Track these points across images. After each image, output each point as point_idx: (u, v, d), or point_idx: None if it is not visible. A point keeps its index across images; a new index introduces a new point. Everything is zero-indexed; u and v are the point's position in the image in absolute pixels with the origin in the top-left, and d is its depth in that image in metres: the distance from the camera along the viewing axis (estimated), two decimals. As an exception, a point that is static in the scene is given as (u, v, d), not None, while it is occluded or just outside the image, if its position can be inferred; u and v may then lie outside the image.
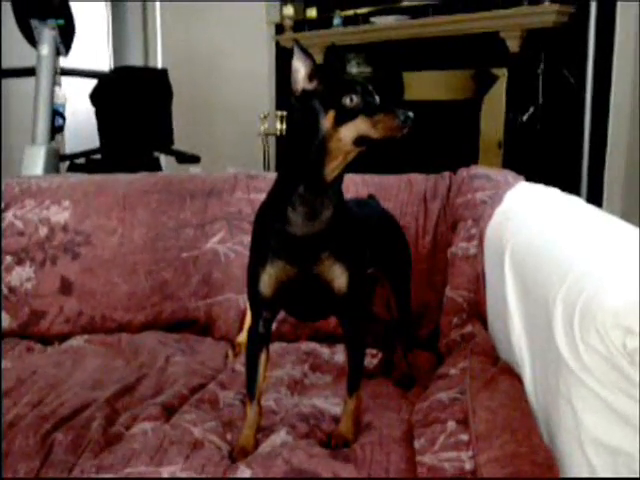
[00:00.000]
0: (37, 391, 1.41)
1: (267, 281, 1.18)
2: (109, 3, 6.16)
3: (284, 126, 4.78)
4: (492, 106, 3.68)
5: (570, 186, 2.73)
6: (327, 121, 1.10)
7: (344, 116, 1.10)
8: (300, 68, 1.14)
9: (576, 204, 1.54)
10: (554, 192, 1.66)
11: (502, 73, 3.60)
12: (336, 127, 1.10)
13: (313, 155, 1.12)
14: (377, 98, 1.12)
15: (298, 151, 1.14)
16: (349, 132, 1.10)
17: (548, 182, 1.74)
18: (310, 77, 1.14)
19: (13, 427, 1.24)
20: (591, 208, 1.48)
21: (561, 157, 3.37)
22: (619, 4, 3.11)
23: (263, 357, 1.24)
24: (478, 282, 1.58)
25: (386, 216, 1.56)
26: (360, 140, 1.10)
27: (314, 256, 1.16)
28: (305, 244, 1.15)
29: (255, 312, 1.25)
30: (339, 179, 1.16)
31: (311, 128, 1.11)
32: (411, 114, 1.07)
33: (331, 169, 1.12)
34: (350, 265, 1.18)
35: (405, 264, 1.56)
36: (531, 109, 3.48)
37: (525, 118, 3.50)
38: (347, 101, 1.10)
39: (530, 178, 1.83)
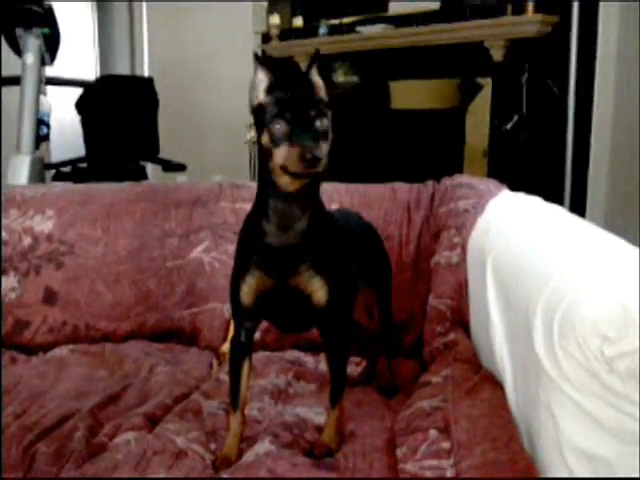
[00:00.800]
0: (21, 401, 1.40)
1: (247, 291, 1.18)
2: (95, 12, 6.16)
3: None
4: (477, 115, 3.70)
5: (553, 194, 2.75)
6: (263, 140, 1.10)
7: (275, 139, 1.08)
8: (263, 81, 1.14)
9: (558, 213, 1.55)
10: (536, 201, 1.67)
11: (486, 82, 3.63)
12: (271, 147, 1.08)
13: (266, 169, 1.11)
14: (319, 124, 1.08)
15: (260, 163, 1.13)
16: (277, 157, 1.08)
17: (532, 191, 1.75)
18: (268, 90, 1.14)
19: (-4, 438, 1.23)
20: (573, 217, 1.49)
21: (545, 166, 3.40)
22: (601, 14, 3.15)
23: (246, 366, 1.25)
24: (461, 290, 1.59)
25: (366, 226, 1.57)
26: (284, 168, 1.07)
27: (291, 268, 1.15)
28: (281, 255, 1.15)
29: (237, 322, 1.25)
30: (309, 191, 1.13)
31: (260, 143, 1.11)
32: (315, 153, 1.03)
33: (285, 183, 1.10)
34: (330, 278, 1.17)
35: (387, 273, 1.57)
36: (515, 118, 3.51)
37: (509, 127, 3.53)
38: (275, 126, 1.08)
39: (514, 187, 1.85)
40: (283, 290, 1.17)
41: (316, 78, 1.15)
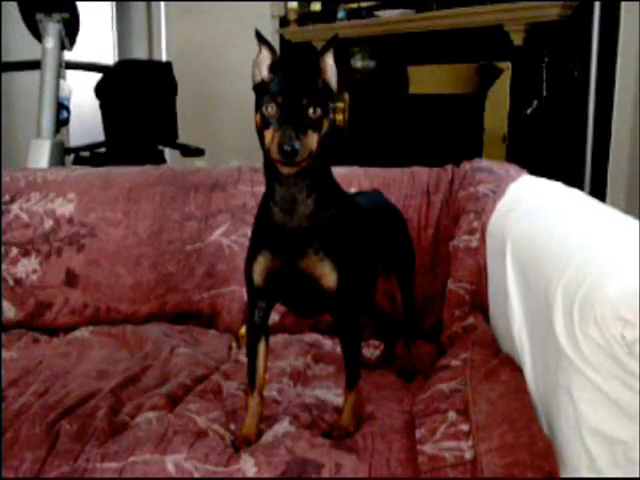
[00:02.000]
0: (43, 381, 1.43)
1: (257, 271, 1.19)
2: (114, -3, 6.17)
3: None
4: (496, 100, 3.67)
5: (573, 179, 2.73)
6: (258, 119, 1.10)
7: (266, 121, 1.08)
8: (266, 58, 1.15)
9: (578, 197, 1.55)
10: (557, 185, 1.67)
11: (506, 66, 3.59)
12: (263, 129, 1.09)
13: (264, 150, 1.11)
14: (311, 112, 1.07)
15: (261, 144, 1.13)
16: (266, 139, 1.08)
17: (552, 176, 1.74)
18: (271, 68, 1.14)
19: (20, 416, 1.26)
20: (593, 201, 1.48)
21: (565, 151, 3.37)
22: (624, -3, 3.10)
23: (262, 348, 1.26)
24: (480, 274, 1.59)
25: (391, 208, 1.57)
26: (269, 153, 1.07)
27: (298, 250, 1.16)
28: (287, 237, 1.15)
29: (250, 301, 1.26)
30: (312, 175, 1.13)
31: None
32: (299, 147, 1.03)
33: (279, 166, 1.10)
34: (341, 262, 1.17)
35: (410, 256, 1.57)
36: (535, 103, 3.47)
37: (529, 112, 3.49)
38: (266, 108, 1.08)
39: (534, 171, 1.84)
40: (292, 272, 1.17)
41: (330, 63, 1.14)
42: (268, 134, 1.07)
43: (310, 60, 1.15)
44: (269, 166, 1.14)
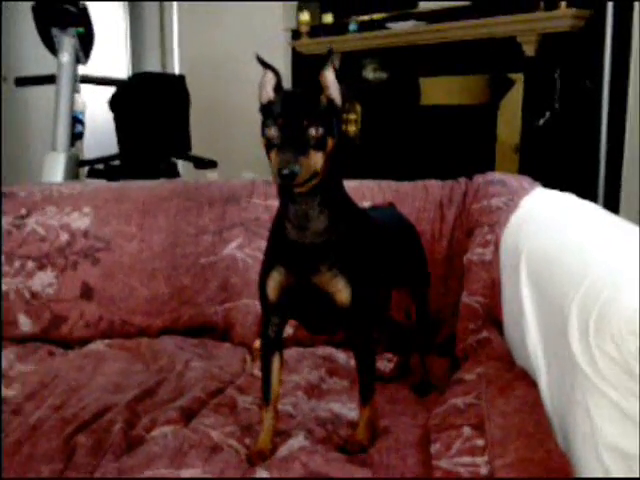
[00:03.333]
0: (59, 395, 1.44)
1: (272, 286, 1.20)
2: (127, 11, 6.22)
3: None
4: (508, 111, 3.67)
5: (587, 192, 2.73)
6: (263, 141, 1.11)
7: (270, 143, 1.09)
8: (271, 79, 1.16)
9: (592, 210, 1.54)
10: (570, 198, 1.66)
11: (518, 78, 3.60)
12: (268, 150, 1.10)
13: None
14: (313, 132, 1.07)
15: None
16: (272, 161, 1.08)
17: (564, 188, 1.74)
18: (275, 89, 1.15)
19: (36, 430, 1.27)
20: (607, 214, 1.48)
21: (578, 162, 3.36)
22: (636, 8, 3.10)
23: (276, 362, 1.26)
24: (494, 288, 1.59)
25: (405, 223, 1.57)
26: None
27: (312, 266, 1.16)
28: (301, 253, 1.16)
29: (264, 316, 1.27)
30: (323, 192, 1.13)
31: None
32: (286, 171, 1.03)
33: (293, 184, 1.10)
34: (354, 278, 1.17)
35: (424, 270, 1.57)
36: (547, 114, 3.47)
37: (541, 123, 3.49)
38: (268, 131, 1.09)
39: (546, 183, 1.83)
40: (305, 288, 1.18)
41: (330, 78, 1.14)
42: (272, 156, 1.08)
43: (314, 74, 1.15)
44: (280, 185, 1.15)
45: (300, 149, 1.06)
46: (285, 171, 1.03)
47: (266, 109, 1.14)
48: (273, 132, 1.08)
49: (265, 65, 1.16)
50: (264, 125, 1.11)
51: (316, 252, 1.16)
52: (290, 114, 1.09)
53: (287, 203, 1.15)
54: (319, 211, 1.15)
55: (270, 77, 1.16)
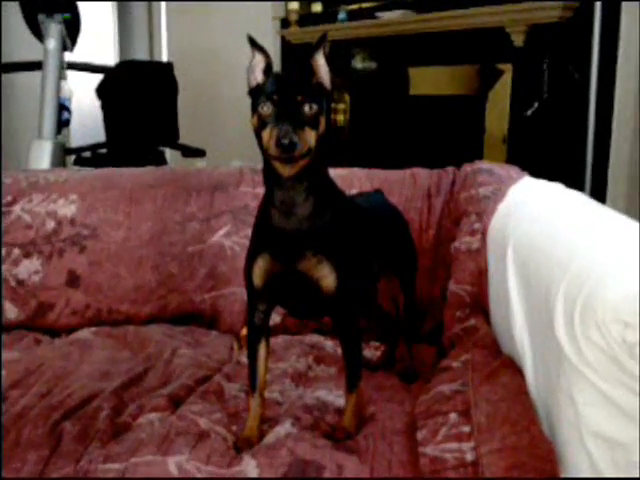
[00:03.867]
0: (45, 382, 1.43)
1: (257, 273, 1.20)
2: (115, -2, 6.17)
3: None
4: (497, 101, 3.68)
5: (574, 181, 2.73)
6: (254, 121, 1.11)
7: (262, 121, 1.09)
8: (261, 62, 1.16)
9: (579, 200, 1.55)
10: (557, 187, 1.67)
11: (507, 68, 3.60)
12: (260, 129, 1.10)
13: (262, 152, 1.13)
14: (307, 109, 1.08)
15: (259, 147, 1.14)
16: (264, 139, 1.09)
17: (552, 177, 1.74)
18: (265, 72, 1.15)
19: (22, 417, 1.26)
20: (594, 204, 1.49)
21: (565, 152, 3.38)
22: (624, -1, 3.11)
23: (263, 349, 1.26)
24: (481, 276, 1.59)
25: (392, 210, 1.57)
26: (267, 152, 1.09)
27: (297, 252, 1.16)
28: (286, 240, 1.16)
29: (250, 303, 1.26)
30: (310, 177, 1.14)
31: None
32: (285, 141, 1.04)
33: (277, 168, 1.12)
34: (340, 264, 1.18)
35: (412, 258, 1.57)
36: (536, 104, 3.48)
37: (530, 113, 3.50)
38: (262, 108, 1.09)
39: (534, 173, 1.84)
40: (291, 274, 1.18)
41: (321, 62, 1.15)
42: (266, 134, 1.08)
43: (303, 61, 1.16)
44: (268, 169, 1.15)
45: (296, 124, 1.06)
46: (284, 140, 1.04)
47: (256, 91, 1.14)
48: (267, 109, 1.08)
49: (255, 46, 1.16)
50: (256, 104, 1.11)
51: (301, 238, 1.16)
52: (285, 91, 1.09)
53: (273, 189, 1.15)
54: (305, 197, 1.15)
55: (259, 59, 1.16)
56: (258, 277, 1.21)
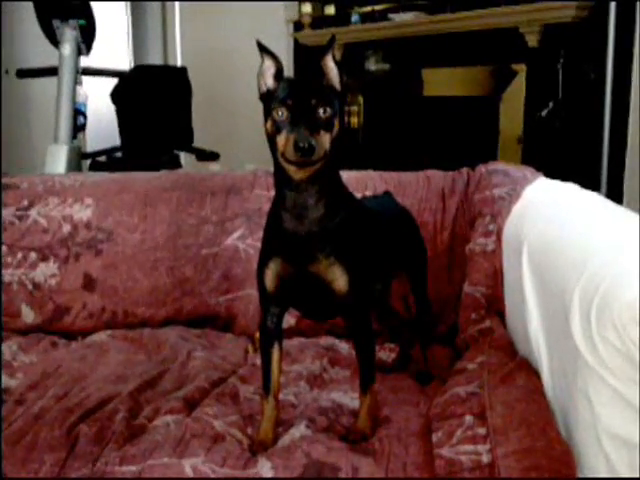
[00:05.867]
0: (62, 385, 1.44)
1: (269, 276, 1.21)
2: (129, 3, 6.21)
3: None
4: (511, 102, 3.66)
5: (590, 182, 2.72)
6: (267, 127, 1.12)
7: (277, 126, 1.10)
8: (270, 67, 1.16)
9: (595, 200, 1.54)
10: (573, 188, 1.66)
11: (521, 68, 3.58)
12: (275, 134, 1.10)
13: (274, 157, 1.13)
14: (321, 112, 1.08)
15: (271, 151, 1.14)
16: (278, 145, 1.10)
17: (567, 178, 1.73)
18: (275, 77, 1.15)
19: (39, 419, 1.27)
20: (610, 204, 1.48)
21: (581, 153, 3.35)
22: (639, -2, 3.09)
23: (276, 352, 1.26)
24: (496, 278, 1.59)
25: (402, 211, 1.57)
26: (283, 156, 1.09)
27: (309, 255, 1.17)
28: (298, 243, 1.16)
29: (263, 307, 1.27)
30: (322, 180, 1.14)
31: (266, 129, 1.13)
32: (305, 144, 1.04)
33: (291, 171, 1.12)
34: (351, 266, 1.18)
35: (422, 259, 1.56)
36: (550, 104, 3.46)
37: (544, 113, 3.48)
38: (276, 113, 1.09)
39: (549, 174, 1.83)
40: (304, 277, 1.18)
41: (330, 65, 1.15)
42: (281, 139, 1.09)
43: (313, 64, 1.16)
44: (280, 173, 1.15)
45: (312, 127, 1.07)
46: (302, 144, 1.04)
47: (267, 97, 1.14)
48: (281, 114, 1.09)
49: (265, 51, 1.16)
50: (269, 109, 1.11)
51: (313, 241, 1.16)
52: (299, 95, 1.09)
53: (284, 193, 1.16)
54: (317, 199, 1.15)
55: (269, 64, 1.16)
56: (270, 281, 1.21)
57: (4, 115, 4.96)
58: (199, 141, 4.42)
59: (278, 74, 1.16)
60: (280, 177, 1.16)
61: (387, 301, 1.56)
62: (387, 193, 1.63)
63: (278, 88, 1.13)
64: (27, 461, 1.15)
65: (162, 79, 4.33)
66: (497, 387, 1.20)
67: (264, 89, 1.16)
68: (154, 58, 6.30)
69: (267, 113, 1.12)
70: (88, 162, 4.19)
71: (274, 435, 1.22)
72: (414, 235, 1.56)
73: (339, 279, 1.17)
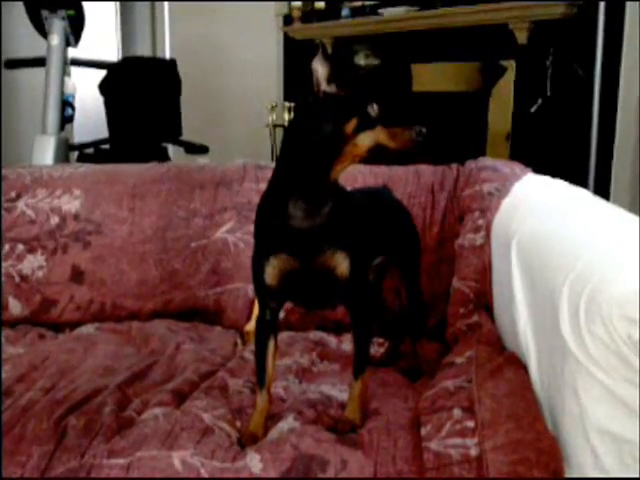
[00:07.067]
0: (50, 377, 1.43)
1: (271, 273, 1.21)
2: (117, -7, 6.17)
3: (292, 117, 4.78)
4: (500, 98, 3.67)
5: (578, 178, 2.73)
6: (349, 126, 1.14)
7: (365, 124, 1.14)
8: (318, 69, 1.16)
9: (583, 196, 1.55)
10: (561, 184, 1.67)
11: (510, 65, 3.59)
12: (356, 134, 1.14)
13: (324, 156, 1.15)
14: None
15: (306, 149, 1.15)
16: (367, 140, 1.15)
17: (556, 174, 1.74)
18: (329, 80, 1.16)
19: (27, 412, 1.26)
20: (598, 200, 1.49)
21: (569, 149, 3.37)
22: (628, -4, 3.10)
23: (271, 346, 1.27)
24: (485, 273, 1.59)
25: (397, 206, 1.58)
26: (376, 148, 1.15)
27: (316, 248, 1.18)
28: (306, 237, 1.18)
29: (261, 302, 1.27)
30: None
31: (328, 131, 1.14)
32: (424, 130, 1.16)
33: (338, 171, 1.17)
34: (352, 251, 1.20)
35: (415, 253, 1.57)
36: (539, 101, 3.47)
37: (533, 110, 3.49)
38: (371, 110, 1.15)
39: (538, 170, 1.84)
40: (309, 270, 1.19)
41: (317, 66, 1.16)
42: (373, 133, 1.15)
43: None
44: (306, 170, 1.15)
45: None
46: (419, 128, 1.17)
47: (327, 100, 1.15)
48: (377, 109, 1.16)
49: (324, 54, 1.15)
50: (359, 108, 1.15)
51: (321, 234, 1.18)
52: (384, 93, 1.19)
53: (299, 188, 1.16)
54: (330, 193, 1.18)
55: (317, 67, 1.15)
56: (272, 277, 1.21)
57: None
58: (188, 134, 4.41)
59: (330, 77, 1.16)
60: (307, 174, 1.16)
61: (380, 296, 1.57)
62: (385, 187, 1.64)
63: (340, 91, 1.15)
64: (14, 453, 1.14)
65: (151, 71, 4.30)
66: (486, 381, 1.20)
67: (320, 91, 1.16)
68: (143, 50, 6.26)
69: (329, 115, 1.14)
70: (75, 154, 4.16)
71: (264, 428, 1.22)
72: (408, 229, 1.56)
73: (341, 264, 1.19)
